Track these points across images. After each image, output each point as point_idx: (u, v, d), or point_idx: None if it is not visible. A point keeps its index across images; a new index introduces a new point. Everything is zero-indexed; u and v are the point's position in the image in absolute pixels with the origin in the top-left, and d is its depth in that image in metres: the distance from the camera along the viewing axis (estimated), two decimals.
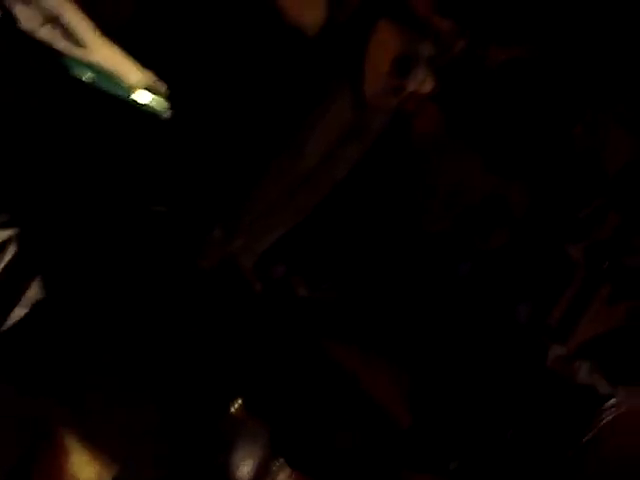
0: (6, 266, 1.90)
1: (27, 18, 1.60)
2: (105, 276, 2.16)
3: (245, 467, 0.61)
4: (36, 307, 2.01)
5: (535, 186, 2.82)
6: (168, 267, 2.53)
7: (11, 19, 1.53)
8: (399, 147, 2.96)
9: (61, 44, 1.65)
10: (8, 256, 1.90)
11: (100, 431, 1.44)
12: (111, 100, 1.69)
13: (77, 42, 1.71)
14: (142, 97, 1.78)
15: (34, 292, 2.00)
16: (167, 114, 1.82)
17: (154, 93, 1.83)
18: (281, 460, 0.67)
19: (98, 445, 1.36)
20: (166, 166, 2.18)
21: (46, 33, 1.62)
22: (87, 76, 1.64)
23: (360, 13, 2.82)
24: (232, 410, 0.70)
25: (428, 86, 2.84)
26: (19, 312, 2.00)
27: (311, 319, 2.79)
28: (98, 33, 1.88)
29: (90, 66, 1.68)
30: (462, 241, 2.68)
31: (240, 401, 0.70)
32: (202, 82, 2.44)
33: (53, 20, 1.69)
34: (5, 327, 1.98)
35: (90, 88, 1.65)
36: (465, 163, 2.82)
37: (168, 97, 1.87)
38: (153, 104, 1.80)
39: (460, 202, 2.76)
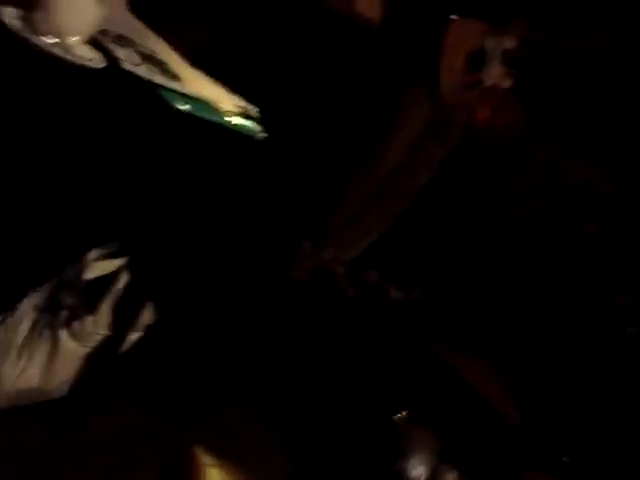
0: (120, 293, 1.99)
1: (126, 58, 1.69)
2: (209, 294, 2.24)
3: (418, 472, 0.64)
4: (150, 330, 2.10)
5: (623, 173, 2.79)
6: (266, 280, 2.60)
7: (114, 61, 1.61)
8: (480, 144, 2.96)
9: (159, 79, 1.73)
10: (121, 284, 1.99)
11: (237, 447, 1.50)
12: (209, 127, 1.76)
13: (172, 76, 1.79)
14: (237, 121, 1.84)
15: (147, 317, 2.09)
16: (261, 135, 1.88)
17: (247, 116, 1.90)
18: (447, 464, 0.70)
19: (236, 461, 1.42)
20: (260, 184, 2.25)
21: (144, 71, 1.70)
22: (185, 107, 1.71)
23: (432, 12, 2.83)
24: (399, 419, 0.73)
25: (507, 81, 2.84)
26: (134, 336, 2.09)
27: (409, 321, 2.82)
28: (188, 66, 1.96)
29: (187, 97, 1.75)
30: (555, 229, 2.66)
31: (405, 412, 0.73)
32: (285, 99, 2.50)
33: (149, 58, 1.78)
34: (121, 351, 2.07)
35: (188, 118, 1.72)
36: (551, 153, 2.80)
37: (259, 119, 1.93)
38: (248, 127, 1.87)
39: (549, 190, 2.74)
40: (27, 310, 2.05)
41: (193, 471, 1.37)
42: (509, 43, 2.77)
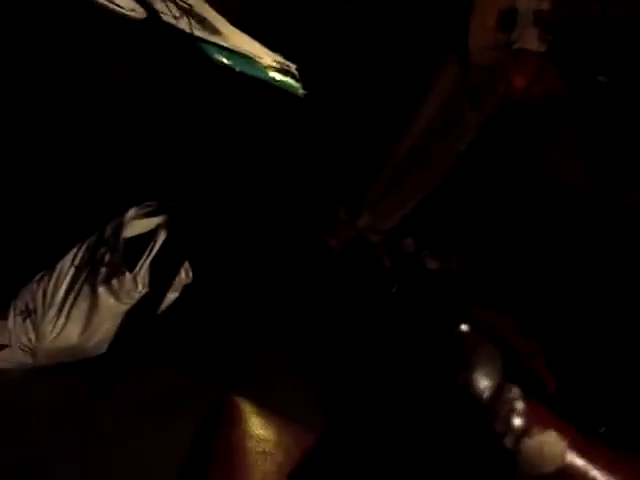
0: (158, 252, 1.99)
1: (166, 12, 1.68)
2: (246, 258, 2.24)
3: (482, 387, 0.62)
4: (186, 291, 2.10)
5: None
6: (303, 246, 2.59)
7: (155, 14, 1.61)
8: (519, 113, 2.91)
9: (199, 32, 1.72)
10: (160, 242, 2.00)
11: (275, 400, 1.50)
12: (249, 82, 1.75)
13: (213, 31, 1.78)
14: (278, 76, 1.82)
15: (185, 276, 2.09)
16: (301, 92, 1.87)
17: (287, 72, 1.88)
18: (516, 388, 0.68)
19: (274, 412, 1.42)
20: (297, 145, 2.24)
21: (185, 24, 1.69)
22: (226, 61, 1.70)
23: None
24: (464, 330, 0.71)
25: (542, 46, 2.78)
26: (172, 295, 2.10)
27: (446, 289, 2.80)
28: (227, 22, 1.95)
29: (227, 50, 1.74)
30: (599, 196, 2.61)
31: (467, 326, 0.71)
32: (320, 61, 2.48)
33: (188, 12, 1.77)
34: (160, 310, 2.08)
35: (229, 72, 1.71)
36: (593, 120, 2.75)
37: (299, 76, 1.92)
38: (288, 83, 1.85)
39: (594, 156, 2.69)
40: (66, 268, 2.06)
41: (234, 418, 1.37)
42: (542, 4, 2.71)
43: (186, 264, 2.09)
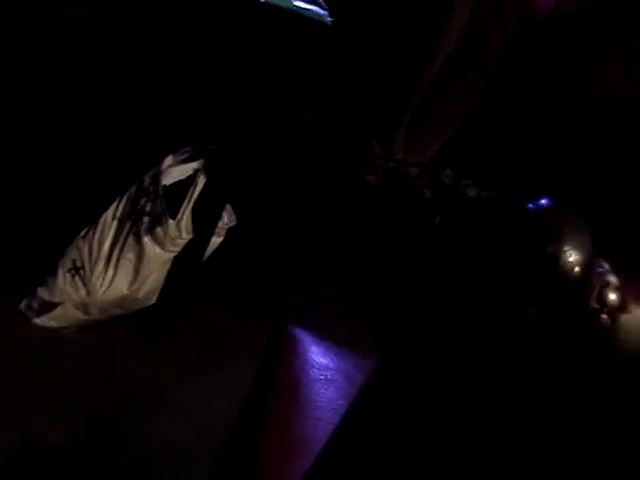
0: (199, 197, 1.98)
1: None
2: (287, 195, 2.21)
3: (573, 260, 0.59)
4: (230, 234, 2.09)
5: None
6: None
7: None
8: (548, 29, 2.82)
9: None
10: (199, 187, 1.98)
11: (331, 330, 1.50)
12: (275, 11, 1.71)
13: None
14: (303, 5, 1.78)
15: (226, 220, 2.08)
16: (329, 21, 1.82)
17: (312, 1, 1.84)
18: (607, 262, 0.65)
19: (334, 341, 1.42)
20: (329, 80, 2.19)
21: None
22: None
23: None
24: (546, 203, 0.68)
25: None
26: (216, 241, 2.08)
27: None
28: None
29: None
30: None
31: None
32: None
33: None
34: (205, 255, 2.07)
35: (254, 3, 1.67)
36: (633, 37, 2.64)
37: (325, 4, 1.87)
38: (314, 11, 1.81)
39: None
40: (109, 221, 2.06)
41: (293, 349, 1.37)
42: None
43: (228, 207, 2.08)
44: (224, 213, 2.07)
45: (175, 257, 2.02)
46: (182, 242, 2.00)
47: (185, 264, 2.03)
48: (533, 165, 2.87)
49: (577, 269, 0.64)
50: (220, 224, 2.07)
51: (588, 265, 0.65)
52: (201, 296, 2.15)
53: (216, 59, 1.82)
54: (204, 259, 2.08)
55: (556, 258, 0.64)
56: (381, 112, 2.94)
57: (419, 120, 2.97)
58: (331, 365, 1.39)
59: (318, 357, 1.39)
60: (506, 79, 2.87)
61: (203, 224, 2.01)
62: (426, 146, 3.02)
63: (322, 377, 1.36)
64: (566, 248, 0.64)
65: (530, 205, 0.72)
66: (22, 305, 2.07)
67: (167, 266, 2.03)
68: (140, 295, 2.05)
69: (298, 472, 1.17)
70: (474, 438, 0.89)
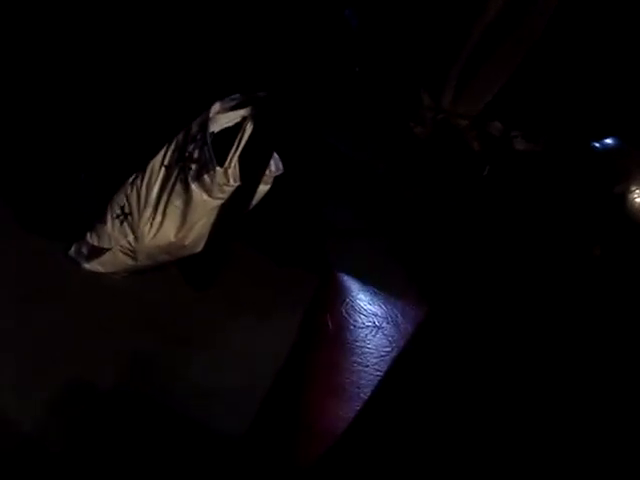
0: (247, 144, 1.96)
1: None
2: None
3: None
4: (276, 183, 2.08)
5: None
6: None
7: None
8: None
9: None
10: (247, 134, 1.97)
11: (379, 278, 1.49)
12: None
13: None
14: None
15: (274, 169, 2.07)
16: None
17: None
18: None
19: (381, 288, 1.41)
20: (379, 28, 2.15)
21: None
22: None
23: None
24: (613, 143, 0.66)
25: None
26: (263, 189, 2.08)
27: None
28: None
29: None
30: None
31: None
32: None
33: None
34: (253, 203, 2.07)
35: None
36: None
37: None
38: None
39: None
40: (157, 168, 2.06)
41: (341, 294, 1.36)
42: None
43: (275, 155, 2.07)
44: (271, 161, 2.06)
45: (222, 204, 2.02)
46: (229, 189, 2.00)
47: (232, 212, 2.03)
48: (583, 116, 2.80)
49: None
50: (267, 172, 2.06)
51: None
52: (248, 244, 2.15)
53: (267, 6, 1.79)
54: (251, 207, 2.08)
55: (623, 198, 0.62)
56: (430, 63, 2.89)
57: (469, 72, 2.91)
58: (379, 312, 1.38)
59: (365, 304, 1.38)
60: (558, 33, 2.79)
61: (250, 172, 2.00)
62: (476, 98, 2.97)
63: (369, 324, 1.36)
64: (634, 188, 0.62)
65: (597, 145, 0.70)
66: (71, 251, 2.10)
67: (214, 213, 2.03)
68: (187, 242, 2.06)
69: (345, 416, 1.18)
70: (524, 395, 0.88)
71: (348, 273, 1.51)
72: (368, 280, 1.48)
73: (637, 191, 0.62)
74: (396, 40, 2.68)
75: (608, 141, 0.70)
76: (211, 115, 2.02)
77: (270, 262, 2.16)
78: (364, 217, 2.30)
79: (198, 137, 2.02)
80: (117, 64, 2.16)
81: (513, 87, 2.90)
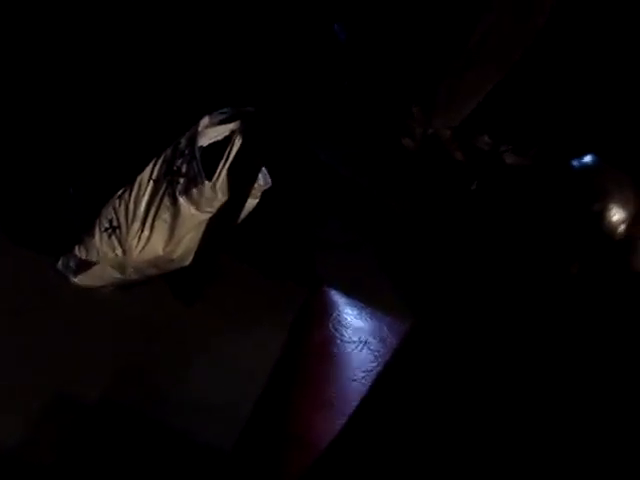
0: (235, 158, 1.97)
1: None
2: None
3: (619, 216, 0.58)
4: (264, 197, 2.09)
5: None
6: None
7: None
8: None
9: None
10: (236, 148, 1.97)
11: (366, 293, 1.49)
12: None
13: None
14: None
15: (262, 182, 2.07)
16: None
17: None
18: None
19: (368, 303, 1.41)
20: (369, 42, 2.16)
21: None
22: None
23: None
24: (591, 160, 0.67)
25: None
26: (251, 203, 2.08)
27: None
28: None
29: None
30: None
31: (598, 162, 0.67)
32: None
33: None
34: (241, 217, 2.07)
35: None
36: None
37: None
38: None
39: None
40: (145, 182, 2.07)
41: (328, 309, 1.37)
42: None
43: (264, 169, 2.07)
44: (260, 175, 2.06)
45: (210, 218, 2.02)
46: (218, 203, 2.00)
47: (220, 225, 2.03)
48: (573, 130, 2.82)
49: (621, 227, 0.63)
50: (256, 186, 2.06)
51: (632, 224, 0.63)
52: (236, 258, 2.16)
53: (256, 21, 1.80)
54: (239, 221, 2.09)
55: (601, 216, 0.63)
56: (423, 76, 2.90)
57: (460, 80, 2.92)
58: (365, 327, 1.39)
59: (352, 318, 1.39)
60: (546, 47, 2.81)
61: (239, 186, 2.01)
62: (464, 104, 2.97)
63: (356, 339, 1.37)
64: (611, 206, 0.63)
65: (575, 163, 0.71)
66: (59, 264, 2.10)
67: (202, 227, 2.03)
68: (175, 256, 2.06)
69: (333, 429, 1.18)
70: (510, 406, 0.89)
71: (336, 287, 1.51)
72: (355, 294, 1.49)
73: (614, 209, 0.63)
74: (384, 54, 2.69)
75: (586, 159, 0.71)
76: (200, 129, 2.02)
77: (258, 275, 2.16)
78: (352, 230, 2.31)
79: (187, 151, 2.03)
80: (106, 79, 2.16)
81: (502, 101, 2.92)
